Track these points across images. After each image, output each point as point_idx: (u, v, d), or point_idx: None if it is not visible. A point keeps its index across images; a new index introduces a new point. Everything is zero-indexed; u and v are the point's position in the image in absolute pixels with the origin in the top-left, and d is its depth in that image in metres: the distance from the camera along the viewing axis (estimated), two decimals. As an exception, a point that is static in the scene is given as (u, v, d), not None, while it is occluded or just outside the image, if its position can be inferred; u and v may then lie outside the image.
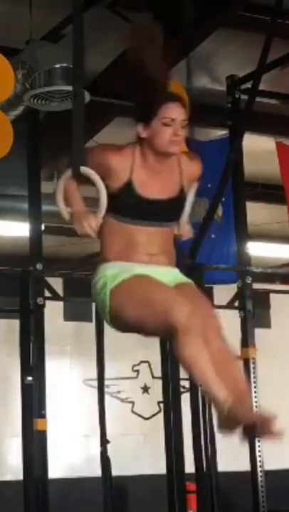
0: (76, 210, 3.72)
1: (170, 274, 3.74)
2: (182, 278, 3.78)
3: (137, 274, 3.61)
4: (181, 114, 3.63)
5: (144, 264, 3.66)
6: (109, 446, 6.94)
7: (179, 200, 3.76)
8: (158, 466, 8.20)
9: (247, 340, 7.21)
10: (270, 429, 3.40)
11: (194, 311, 3.49)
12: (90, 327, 7.82)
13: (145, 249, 3.67)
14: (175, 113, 3.61)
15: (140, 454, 11.58)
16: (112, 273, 3.65)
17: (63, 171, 3.76)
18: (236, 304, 7.40)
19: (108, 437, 6.96)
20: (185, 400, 7.07)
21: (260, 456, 7.03)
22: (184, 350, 3.45)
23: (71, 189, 3.75)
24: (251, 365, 7.15)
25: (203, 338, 3.49)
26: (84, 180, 3.72)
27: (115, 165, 3.65)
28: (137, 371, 11.56)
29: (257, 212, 9.41)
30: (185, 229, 3.84)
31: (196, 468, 6.80)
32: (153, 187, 3.67)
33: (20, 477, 6.99)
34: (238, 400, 3.42)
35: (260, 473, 7.02)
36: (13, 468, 10.18)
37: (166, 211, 3.72)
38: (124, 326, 3.68)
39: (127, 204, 3.66)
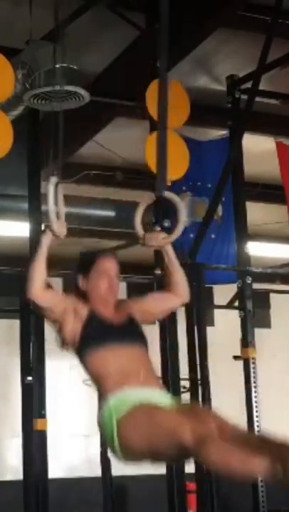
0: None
1: (165, 396, 3.93)
2: (177, 400, 4.05)
3: (139, 402, 3.75)
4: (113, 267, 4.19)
5: (140, 388, 3.85)
6: (109, 446, 6.93)
7: (132, 325, 4.09)
8: (158, 466, 8.20)
9: (247, 340, 7.21)
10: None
11: (201, 422, 3.58)
12: (90, 327, 7.82)
13: (134, 371, 3.90)
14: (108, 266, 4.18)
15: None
16: (115, 403, 3.82)
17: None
18: (236, 303, 7.40)
19: (108, 437, 6.94)
20: (185, 400, 7.07)
21: (260, 456, 7.02)
22: (210, 459, 3.53)
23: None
24: (251, 365, 7.15)
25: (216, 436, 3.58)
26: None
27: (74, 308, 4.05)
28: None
29: (257, 212, 9.40)
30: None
31: (196, 468, 6.80)
32: (111, 315, 4.07)
33: (20, 477, 6.98)
34: (278, 457, 3.49)
35: (260, 473, 7.01)
36: (13, 468, 10.19)
37: (130, 333, 4.05)
38: (136, 455, 3.79)
39: (97, 330, 4.00)
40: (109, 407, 3.83)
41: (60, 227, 4.15)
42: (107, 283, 4.10)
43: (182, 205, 4.24)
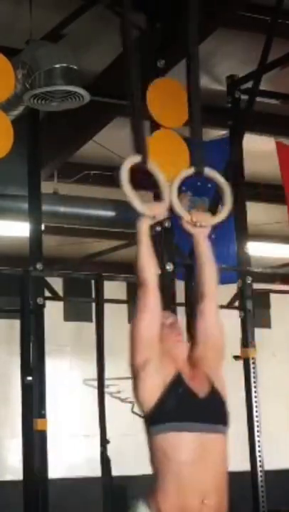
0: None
1: None
2: None
3: None
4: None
5: None
6: (109, 446, 6.94)
7: (216, 398, 3.45)
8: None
9: (247, 340, 7.21)
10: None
11: None
12: (90, 327, 7.83)
13: (199, 483, 3.27)
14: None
15: (140, 454, 11.55)
16: None
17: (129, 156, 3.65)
18: (236, 303, 7.40)
19: (108, 437, 6.95)
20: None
21: (260, 456, 7.03)
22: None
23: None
24: (251, 365, 7.15)
25: None
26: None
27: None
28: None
29: (257, 212, 9.40)
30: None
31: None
32: (194, 380, 3.42)
33: (20, 477, 6.99)
34: None
35: (260, 473, 7.01)
36: (13, 468, 10.19)
37: (212, 408, 3.39)
38: None
39: (179, 400, 3.33)
40: None
41: (155, 208, 3.55)
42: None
43: (227, 187, 3.72)
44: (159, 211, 3.53)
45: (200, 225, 3.63)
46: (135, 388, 3.36)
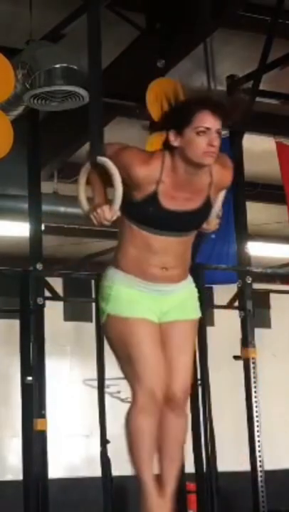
0: (96, 202, 3.59)
1: (174, 298, 3.64)
2: (185, 305, 3.68)
3: (134, 318, 3.54)
4: (216, 123, 3.48)
5: (152, 283, 3.56)
6: (109, 446, 6.93)
7: (203, 211, 3.63)
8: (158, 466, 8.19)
9: (247, 340, 7.21)
10: None
11: (162, 388, 3.55)
12: (90, 327, 7.81)
13: (160, 260, 3.57)
14: (210, 122, 3.46)
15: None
16: (117, 292, 3.59)
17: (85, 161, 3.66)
18: (236, 304, 7.39)
19: (108, 437, 6.95)
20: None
21: (260, 456, 7.03)
22: (131, 427, 3.62)
23: (93, 180, 3.63)
24: (251, 365, 7.14)
25: (158, 412, 3.56)
26: (103, 171, 3.60)
27: (142, 177, 3.46)
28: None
29: (257, 212, 9.40)
30: (213, 222, 3.75)
31: (196, 468, 6.80)
32: (177, 199, 3.52)
33: (20, 477, 6.98)
34: (161, 484, 3.59)
35: (260, 473, 7.01)
36: (13, 468, 10.18)
37: (188, 222, 3.60)
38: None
39: (149, 214, 3.51)
40: (111, 286, 3.58)
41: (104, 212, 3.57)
42: (207, 145, 3.45)
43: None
44: (106, 216, 3.54)
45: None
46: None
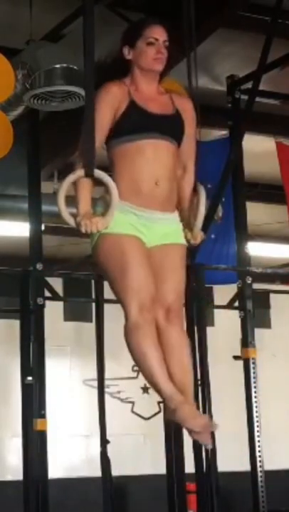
0: (84, 210, 3.72)
1: (162, 227, 3.81)
2: (172, 234, 3.84)
3: (127, 234, 3.71)
4: (163, 35, 3.94)
5: (144, 209, 3.73)
6: (109, 446, 6.94)
7: (178, 119, 3.91)
8: (158, 466, 8.21)
9: (247, 341, 7.21)
10: (204, 437, 3.64)
11: (153, 299, 3.67)
12: (90, 327, 7.82)
13: (153, 172, 3.74)
14: (158, 33, 3.93)
15: (140, 454, 11.57)
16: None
17: (72, 171, 3.74)
18: (236, 304, 7.40)
19: (108, 437, 6.95)
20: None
21: (260, 456, 7.03)
22: (132, 343, 3.67)
23: (80, 189, 3.73)
24: (251, 365, 7.14)
25: (156, 325, 3.68)
26: (96, 182, 3.74)
27: (117, 93, 3.81)
28: (137, 371, 11.51)
29: (257, 212, 9.41)
30: (198, 234, 3.93)
31: (196, 469, 6.80)
32: (153, 105, 3.86)
33: (20, 477, 6.99)
34: (181, 393, 3.62)
35: (260, 473, 7.01)
36: (13, 468, 10.19)
37: (169, 125, 3.87)
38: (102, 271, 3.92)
39: (135, 120, 3.78)
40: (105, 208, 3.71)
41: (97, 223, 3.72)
42: (155, 51, 3.91)
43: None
44: (98, 228, 3.68)
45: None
46: None
